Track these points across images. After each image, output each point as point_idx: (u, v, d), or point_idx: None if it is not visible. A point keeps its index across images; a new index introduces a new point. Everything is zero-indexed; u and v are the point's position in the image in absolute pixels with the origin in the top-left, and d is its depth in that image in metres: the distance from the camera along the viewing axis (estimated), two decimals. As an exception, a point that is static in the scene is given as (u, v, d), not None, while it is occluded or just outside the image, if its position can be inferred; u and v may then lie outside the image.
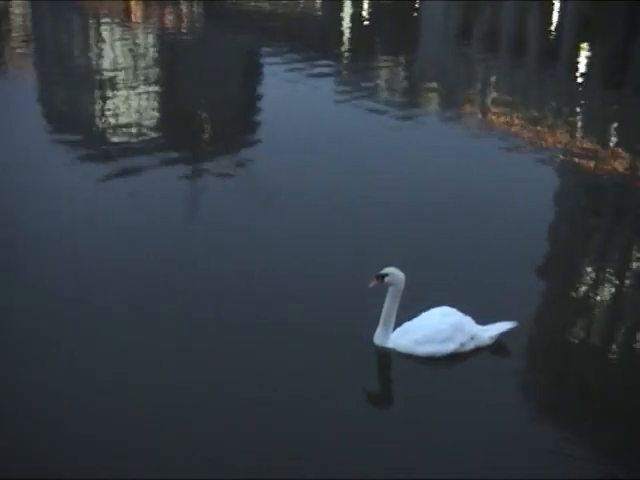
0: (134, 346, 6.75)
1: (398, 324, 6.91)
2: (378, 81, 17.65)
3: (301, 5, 27.53)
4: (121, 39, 20.85)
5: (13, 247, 8.58)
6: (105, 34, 21.92)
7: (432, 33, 24.05)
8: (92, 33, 22.40)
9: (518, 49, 21.73)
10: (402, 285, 6.80)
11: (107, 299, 7.48)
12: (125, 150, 12.20)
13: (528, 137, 13.32)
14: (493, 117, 14.70)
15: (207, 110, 14.90)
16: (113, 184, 10.53)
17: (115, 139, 12.95)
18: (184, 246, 8.70)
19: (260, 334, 6.97)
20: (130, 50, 19.42)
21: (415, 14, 27.75)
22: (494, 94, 17.01)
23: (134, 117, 14.02)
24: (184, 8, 26.25)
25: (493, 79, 18.47)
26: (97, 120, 14.19)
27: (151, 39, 21.04)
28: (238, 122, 14.35)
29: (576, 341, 7.28)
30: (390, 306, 6.82)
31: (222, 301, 7.52)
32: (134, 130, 13.22)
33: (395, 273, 6.79)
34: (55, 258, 8.33)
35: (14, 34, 21.62)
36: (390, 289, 6.81)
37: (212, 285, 7.82)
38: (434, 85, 17.16)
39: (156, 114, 14.56)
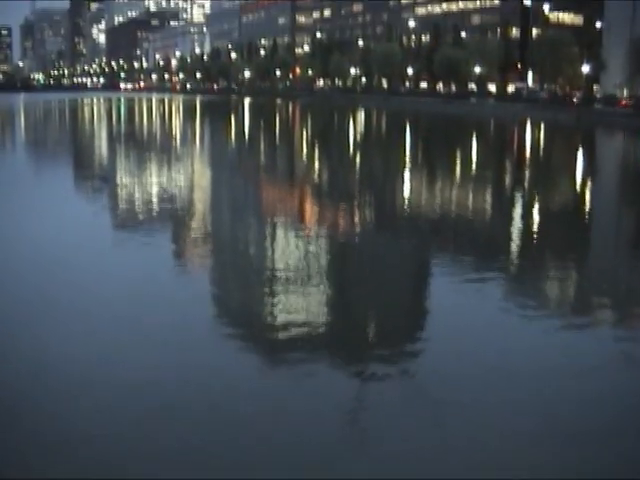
0: None
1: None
2: (546, 288, 17.40)
3: (470, 210, 27.76)
4: (294, 238, 21.82)
5: None
6: (279, 232, 23.05)
7: (604, 239, 23.51)
8: (266, 230, 23.55)
9: None
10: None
11: None
12: (290, 347, 12.97)
13: None
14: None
15: (371, 315, 15.32)
16: (279, 380, 11.35)
17: (282, 335, 13.75)
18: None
19: None
20: (301, 250, 20.31)
21: (586, 219, 27.30)
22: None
23: (301, 316, 14.66)
24: (356, 213, 27.07)
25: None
26: (265, 316, 15.04)
27: (322, 240, 21.79)
28: (403, 329, 14.49)
29: None
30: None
31: None
32: (301, 329, 13.90)
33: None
34: None
35: (192, 227, 23.32)
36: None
37: None
38: (606, 298, 16.56)
39: (322, 315, 15.16)
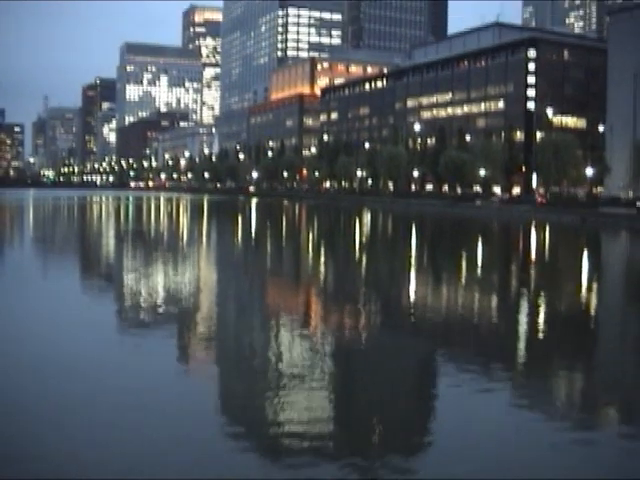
0: None
1: None
2: (554, 391, 17.22)
3: (476, 313, 27.61)
4: (299, 337, 21.73)
5: None
6: (283, 332, 22.88)
7: (614, 344, 23.21)
8: (271, 331, 23.34)
9: None
10: None
11: None
12: (296, 454, 12.76)
13: None
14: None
15: (377, 414, 15.12)
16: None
17: (288, 442, 13.45)
18: None
19: None
20: (306, 349, 20.19)
21: (595, 324, 27.09)
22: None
23: (307, 420, 14.48)
24: (360, 312, 26.96)
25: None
26: (272, 417, 14.82)
27: (327, 342, 21.59)
28: (406, 435, 14.31)
29: None
30: None
31: None
32: (306, 433, 13.78)
33: None
34: None
35: (196, 329, 22.98)
36: None
37: None
38: (614, 400, 16.36)
39: (329, 415, 15.12)
